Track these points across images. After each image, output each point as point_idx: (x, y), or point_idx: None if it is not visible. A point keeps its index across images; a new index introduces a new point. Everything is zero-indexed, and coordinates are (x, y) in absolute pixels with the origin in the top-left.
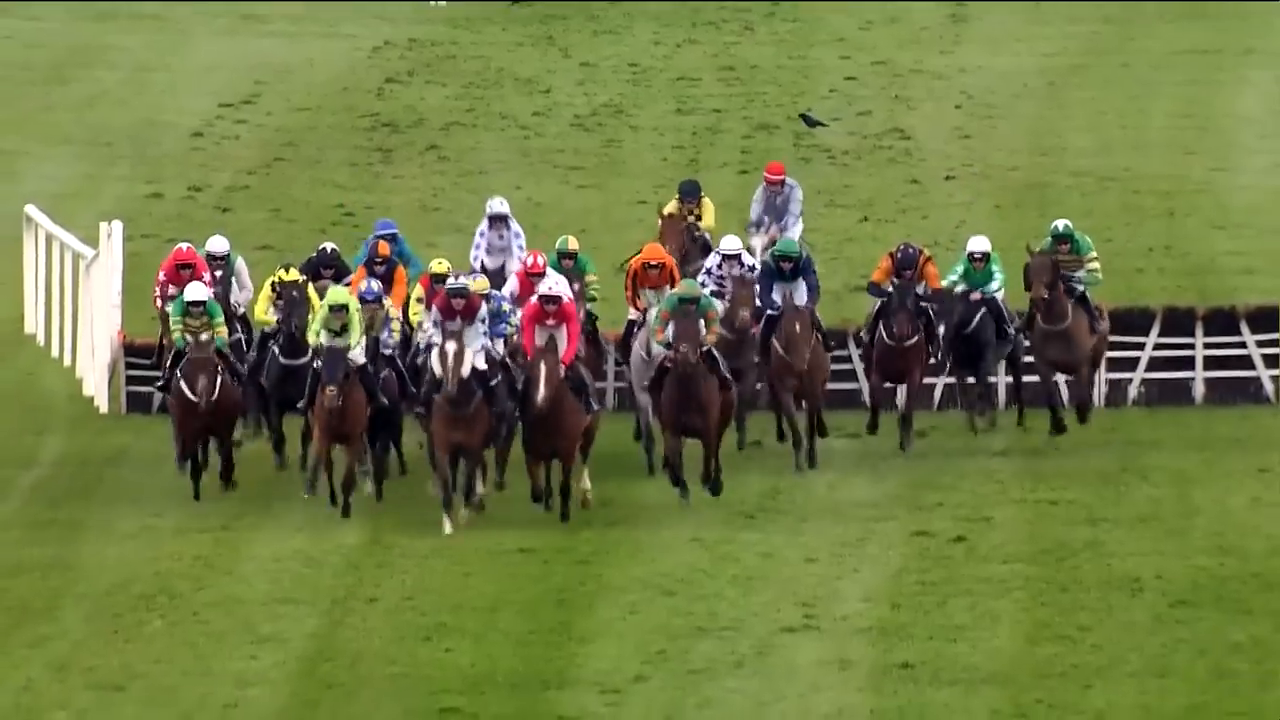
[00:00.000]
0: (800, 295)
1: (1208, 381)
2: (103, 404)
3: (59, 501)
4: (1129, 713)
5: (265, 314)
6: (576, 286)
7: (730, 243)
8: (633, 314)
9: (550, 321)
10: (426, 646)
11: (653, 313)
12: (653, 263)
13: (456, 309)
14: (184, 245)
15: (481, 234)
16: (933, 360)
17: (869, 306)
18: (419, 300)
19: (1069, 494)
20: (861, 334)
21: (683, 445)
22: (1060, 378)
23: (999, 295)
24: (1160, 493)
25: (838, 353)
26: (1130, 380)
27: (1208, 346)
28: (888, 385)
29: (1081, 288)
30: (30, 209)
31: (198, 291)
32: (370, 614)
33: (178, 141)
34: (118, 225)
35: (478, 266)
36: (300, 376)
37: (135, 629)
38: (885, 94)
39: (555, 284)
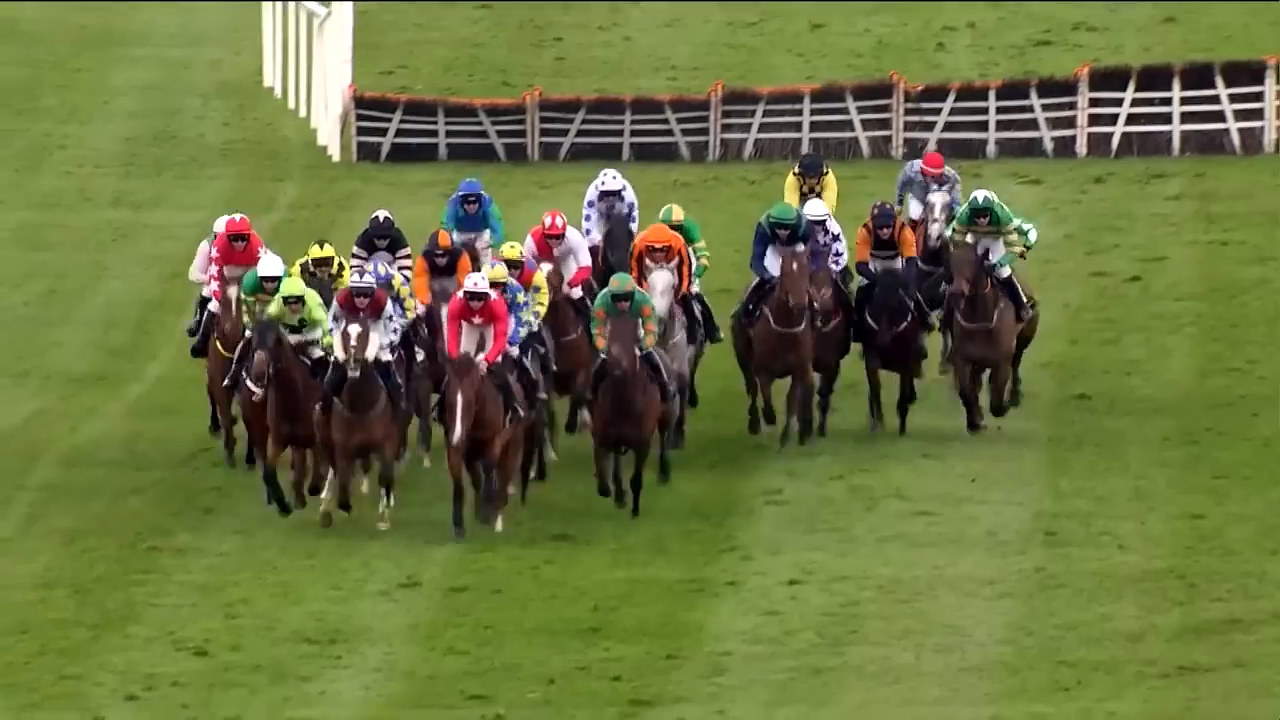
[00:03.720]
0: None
1: None
2: (335, 152)
3: (297, 242)
4: None
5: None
6: (675, 262)
7: (815, 207)
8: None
9: (477, 320)
10: None
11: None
12: (657, 245)
13: (359, 308)
14: (237, 215)
15: (590, 204)
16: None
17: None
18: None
19: (1239, 235)
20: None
21: (611, 461)
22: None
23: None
24: None
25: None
26: None
27: None
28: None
29: (1006, 271)
30: None
31: (273, 265)
32: None
33: None
34: None
35: (589, 236)
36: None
37: None
38: None
39: (480, 280)
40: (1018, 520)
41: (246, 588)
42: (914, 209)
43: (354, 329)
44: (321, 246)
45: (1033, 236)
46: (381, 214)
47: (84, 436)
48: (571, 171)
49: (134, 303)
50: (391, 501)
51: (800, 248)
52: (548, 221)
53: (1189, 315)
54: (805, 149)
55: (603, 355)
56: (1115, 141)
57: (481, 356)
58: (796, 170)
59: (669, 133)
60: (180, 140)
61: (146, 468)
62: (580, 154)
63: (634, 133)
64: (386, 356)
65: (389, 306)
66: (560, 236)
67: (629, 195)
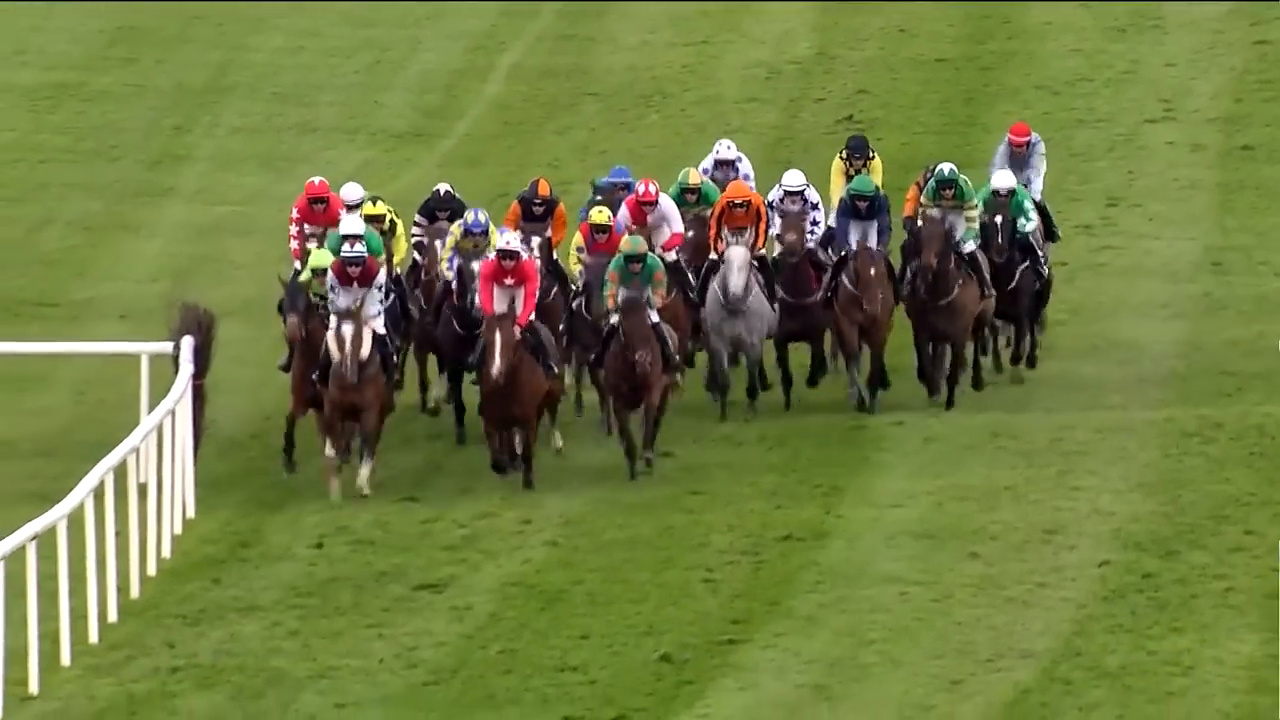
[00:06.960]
0: (872, 237)
1: None
2: None
3: (577, 20)
4: None
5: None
6: (748, 232)
7: (793, 178)
8: (712, 255)
9: (509, 280)
10: None
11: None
12: (738, 201)
13: (353, 275)
14: (316, 178)
15: (705, 171)
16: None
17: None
18: (578, 250)
19: None
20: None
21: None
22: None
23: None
24: None
25: None
26: None
27: None
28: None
29: (970, 247)
30: None
31: (354, 225)
32: None
33: None
34: None
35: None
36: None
37: (637, 120)
38: None
39: (513, 238)
40: (1189, 253)
41: None
42: (998, 179)
43: (347, 330)
44: (375, 204)
45: (1030, 226)
46: (443, 187)
47: (404, 183)
48: None
49: (443, 71)
50: (373, 468)
51: (874, 232)
52: (641, 189)
53: None
54: None
55: (614, 316)
56: None
57: (515, 317)
58: (843, 154)
59: None
60: None
61: None
62: None
63: None
64: (381, 331)
65: (380, 275)
66: (654, 203)
67: (744, 167)
